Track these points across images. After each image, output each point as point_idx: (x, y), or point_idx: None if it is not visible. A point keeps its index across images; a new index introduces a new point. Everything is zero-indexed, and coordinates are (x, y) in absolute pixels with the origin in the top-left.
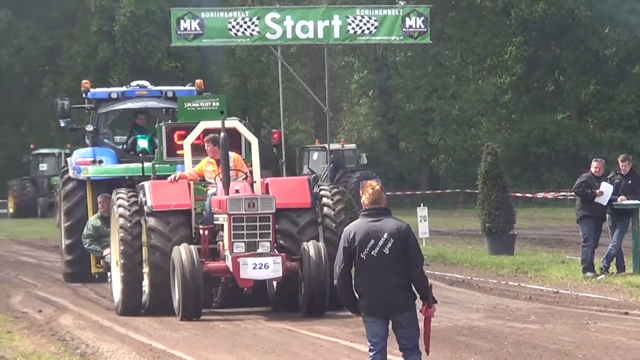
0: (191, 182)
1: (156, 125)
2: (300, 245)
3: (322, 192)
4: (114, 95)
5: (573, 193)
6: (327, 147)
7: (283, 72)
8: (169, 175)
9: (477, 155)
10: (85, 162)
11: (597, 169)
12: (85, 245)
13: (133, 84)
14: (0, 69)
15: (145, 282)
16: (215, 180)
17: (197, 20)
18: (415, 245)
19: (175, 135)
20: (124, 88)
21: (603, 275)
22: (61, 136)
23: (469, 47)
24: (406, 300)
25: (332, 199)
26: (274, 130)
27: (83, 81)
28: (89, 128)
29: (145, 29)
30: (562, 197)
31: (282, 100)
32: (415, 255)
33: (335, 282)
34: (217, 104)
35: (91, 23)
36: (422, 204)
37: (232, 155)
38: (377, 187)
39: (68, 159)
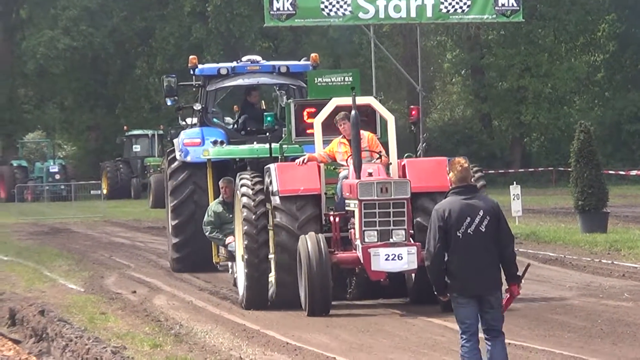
0: (321, 165)
1: (284, 103)
2: None
3: None
4: (223, 72)
5: None
6: (419, 126)
7: (375, 52)
8: (298, 157)
9: (569, 133)
10: (193, 144)
11: None
12: (206, 233)
13: (244, 59)
14: (93, 50)
15: (272, 275)
16: (347, 162)
17: (290, 0)
18: (506, 223)
19: (305, 113)
20: (234, 63)
21: None
22: (154, 117)
23: (561, 25)
24: (497, 279)
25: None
26: (411, 107)
27: (190, 57)
28: (197, 107)
29: (238, 9)
30: None
31: (375, 79)
32: (507, 232)
33: (427, 262)
34: (350, 78)
35: (184, 4)
36: (515, 182)
37: (366, 134)
38: (466, 165)
39: (174, 140)
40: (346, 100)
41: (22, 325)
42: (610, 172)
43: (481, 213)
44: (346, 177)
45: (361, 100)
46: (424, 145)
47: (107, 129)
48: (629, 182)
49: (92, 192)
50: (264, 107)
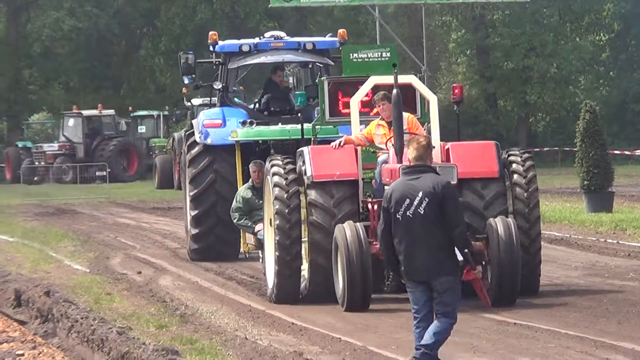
0: (358, 148)
1: (317, 80)
2: (485, 222)
3: (511, 158)
4: (245, 48)
5: None
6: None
7: (381, 32)
8: (331, 140)
9: (575, 113)
10: (214, 125)
11: None
12: (234, 220)
13: (267, 34)
14: (99, 32)
15: (305, 266)
16: (386, 145)
17: None
18: (453, 204)
19: (340, 92)
20: (256, 40)
21: None
22: (159, 98)
23: (566, 4)
24: (442, 264)
25: (522, 165)
26: (454, 85)
27: (210, 33)
28: (217, 85)
29: None
30: None
31: None
32: (452, 214)
33: (378, 244)
34: (388, 54)
35: None
36: None
37: (406, 115)
38: (423, 143)
39: (193, 121)
40: (385, 79)
41: (27, 306)
42: (616, 151)
43: (420, 195)
44: (386, 162)
45: (402, 78)
46: (429, 125)
47: (112, 110)
48: (634, 162)
49: (97, 173)
50: (290, 86)
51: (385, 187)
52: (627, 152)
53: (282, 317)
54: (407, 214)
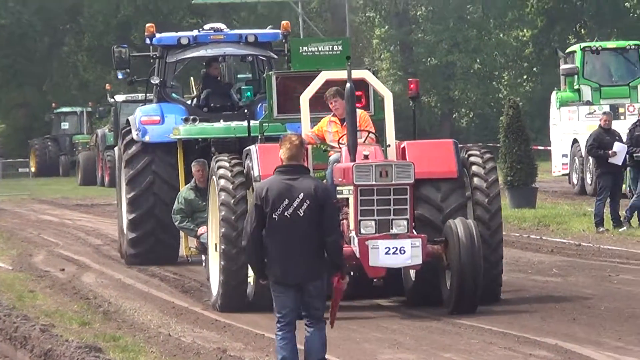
0: (309, 146)
1: (264, 75)
2: (443, 215)
3: (471, 158)
4: (184, 41)
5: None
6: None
7: (304, 28)
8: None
9: (498, 109)
10: (152, 122)
11: (606, 122)
12: (176, 223)
13: (206, 27)
14: (21, 28)
15: (250, 272)
16: (339, 143)
17: None
18: (331, 210)
19: (288, 87)
20: (195, 32)
21: (624, 227)
22: (83, 94)
23: (490, 0)
24: (319, 267)
25: (484, 167)
26: (409, 80)
27: (147, 25)
28: (155, 80)
29: None
30: None
31: None
32: (330, 220)
33: (244, 242)
34: (340, 47)
35: None
36: None
37: (358, 112)
38: (296, 142)
39: (130, 118)
40: (338, 74)
41: None
42: (539, 147)
43: (301, 196)
44: (338, 161)
45: (355, 74)
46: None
47: (35, 106)
48: None
49: (19, 169)
50: (227, 80)
51: (339, 188)
52: (550, 148)
53: (205, 314)
54: (285, 214)
